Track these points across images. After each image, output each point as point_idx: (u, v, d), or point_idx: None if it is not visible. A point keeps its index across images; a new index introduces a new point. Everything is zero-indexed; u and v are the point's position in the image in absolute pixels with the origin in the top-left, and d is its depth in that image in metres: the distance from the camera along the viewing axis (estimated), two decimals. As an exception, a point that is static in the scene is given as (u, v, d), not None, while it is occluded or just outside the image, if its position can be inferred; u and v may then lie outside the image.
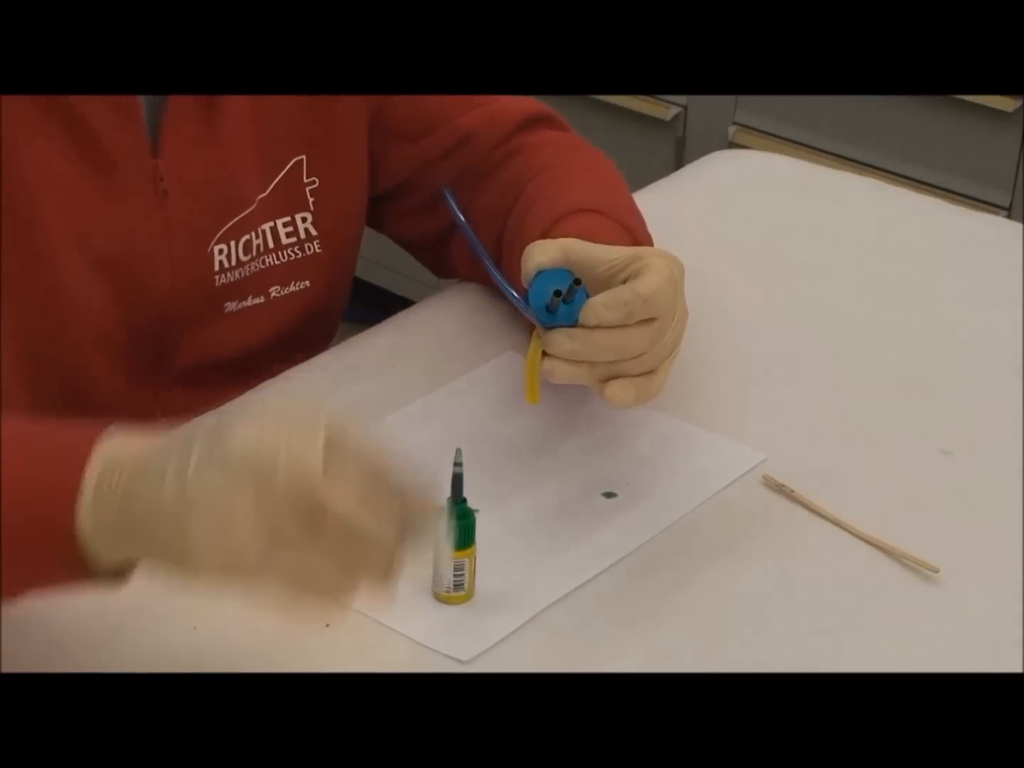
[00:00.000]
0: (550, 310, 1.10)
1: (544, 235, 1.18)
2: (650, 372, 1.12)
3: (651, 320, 1.10)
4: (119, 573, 0.96)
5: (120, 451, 0.93)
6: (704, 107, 2.79)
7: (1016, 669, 1.03)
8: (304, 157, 1.27)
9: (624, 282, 1.11)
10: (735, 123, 2.78)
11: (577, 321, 1.10)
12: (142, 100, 1.17)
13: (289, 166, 1.26)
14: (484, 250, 1.21)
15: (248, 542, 0.89)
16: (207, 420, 0.95)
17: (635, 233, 1.22)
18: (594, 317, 1.09)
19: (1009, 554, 1.13)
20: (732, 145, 2.71)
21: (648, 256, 1.12)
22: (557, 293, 1.09)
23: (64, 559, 0.93)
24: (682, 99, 2.82)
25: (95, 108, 1.15)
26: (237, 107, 1.22)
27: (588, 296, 1.10)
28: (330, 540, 0.89)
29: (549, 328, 1.10)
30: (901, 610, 1.09)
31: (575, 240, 1.14)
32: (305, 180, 1.28)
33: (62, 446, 0.94)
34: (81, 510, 0.92)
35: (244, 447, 0.89)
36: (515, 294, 1.15)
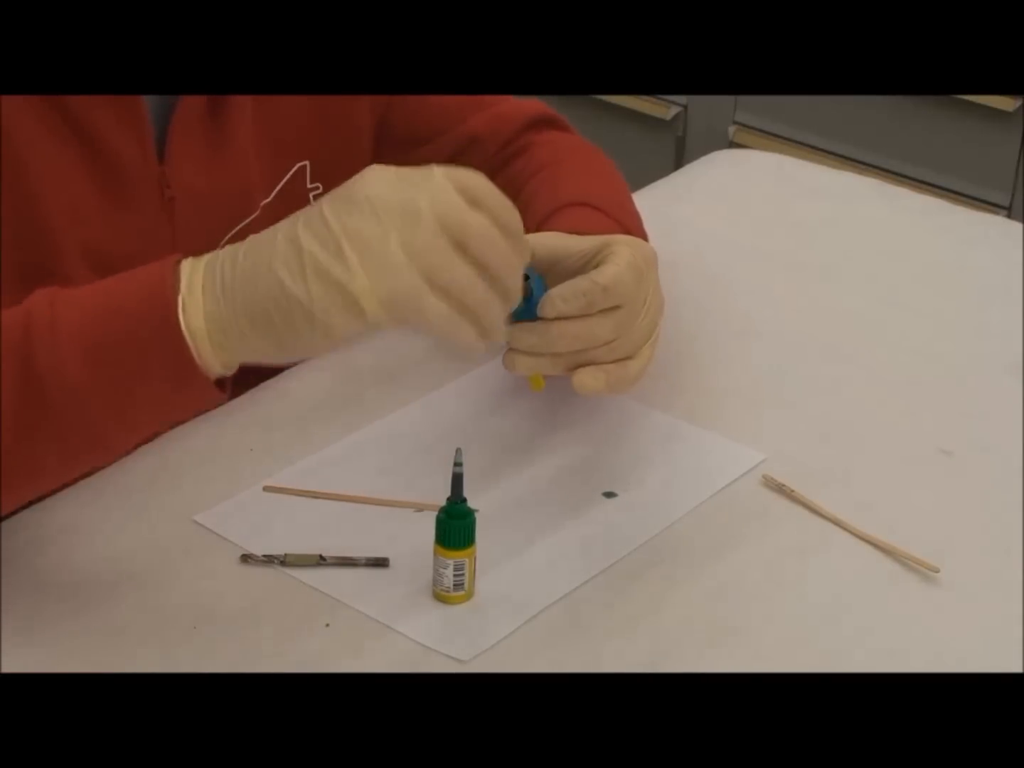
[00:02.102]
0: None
1: (538, 231, 1.18)
2: (625, 359, 1.12)
3: (615, 308, 1.10)
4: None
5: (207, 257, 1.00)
6: (704, 107, 2.80)
7: (1016, 669, 1.03)
8: (308, 163, 1.27)
9: None
10: (735, 123, 2.78)
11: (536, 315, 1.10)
12: (148, 108, 1.17)
13: (292, 172, 1.27)
14: None
15: (407, 270, 0.95)
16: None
17: (627, 227, 1.22)
18: (552, 309, 1.09)
19: (1009, 554, 1.13)
20: (732, 145, 2.71)
21: (614, 244, 1.12)
22: None
23: (177, 364, 0.98)
24: (682, 99, 2.82)
25: (102, 115, 1.15)
26: (242, 114, 1.22)
27: (547, 289, 1.10)
28: (477, 255, 0.97)
29: (513, 324, 1.10)
30: (901, 610, 1.09)
31: (544, 234, 1.15)
32: (309, 186, 1.28)
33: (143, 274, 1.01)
34: (184, 307, 0.97)
35: (380, 193, 0.96)
36: None
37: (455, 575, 1.06)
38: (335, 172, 1.28)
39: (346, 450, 1.20)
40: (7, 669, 1.00)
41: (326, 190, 1.27)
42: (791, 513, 1.17)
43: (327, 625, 1.05)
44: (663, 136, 2.83)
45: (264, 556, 1.10)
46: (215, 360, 0.99)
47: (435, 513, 1.06)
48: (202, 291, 0.99)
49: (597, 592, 1.09)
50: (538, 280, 1.09)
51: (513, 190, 1.29)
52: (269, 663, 1.02)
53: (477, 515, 1.07)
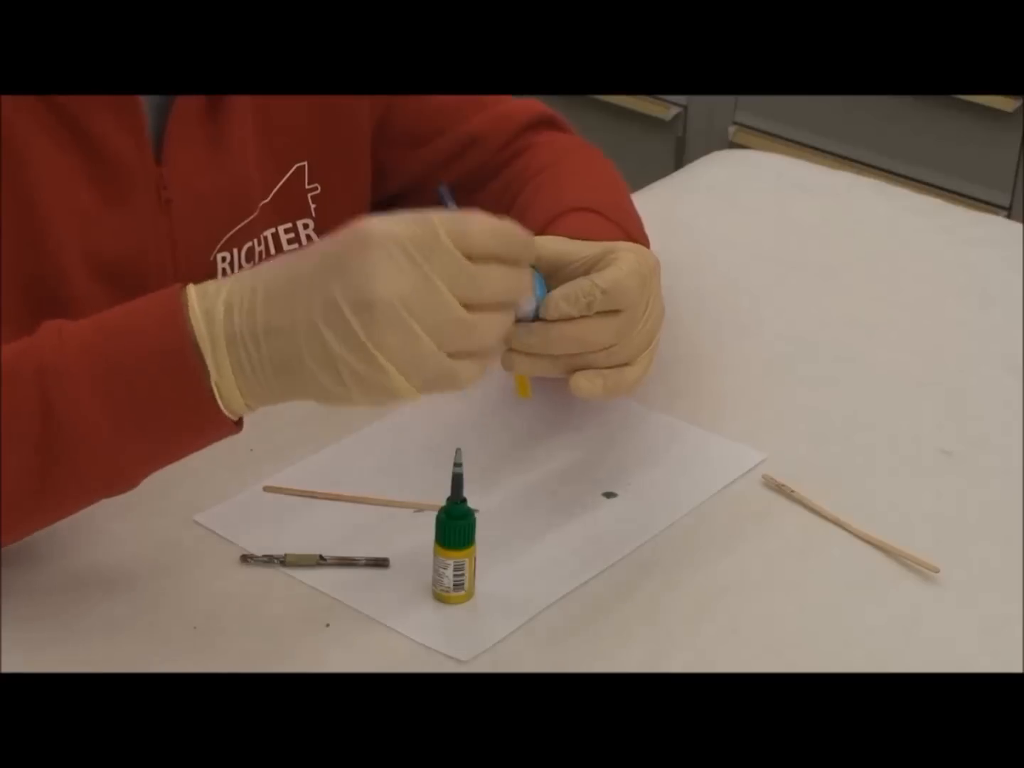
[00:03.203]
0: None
1: (540, 234, 1.18)
2: (623, 365, 1.12)
3: (615, 312, 1.10)
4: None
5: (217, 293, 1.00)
6: (704, 107, 2.80)
7: (1016, 669, 1.03)
8: (306, 163, 1.27)
9: None
10: (735, 123, 2.78)
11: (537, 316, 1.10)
12: (146, 108, 1.17)
13: (291, 172, 1.26)
14: None
15: (436, 356, 0.97)
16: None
17: (629, 231, 1.22)
18: (555, 310, 1.09)
19: (1009, 554, 1.13)
20: (732, 145, 2.71)
21: (618, 250, 1.13)
22: None
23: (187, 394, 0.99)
24: (682, 99, 2.82)
25: (100, 117, 1.15)
26: (240, 114, 1.21)
27: (549, 290, 1.10)
28: (491, 302, 0.99)
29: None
30: (901, 610, 1.09)
31: (549, 238, 1.15)
32: (307, 186, 1.28)
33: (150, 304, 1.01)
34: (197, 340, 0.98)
35: (398, 291, 0.96)
36: None
37: (455, 575, 1.06)
38: (333, 172, 1.28)
39: (346, 450, 1.20)
40: (7, 669, 0.99)
41: (324, 190, 1.28)
42: (791, 513, 1.17)
43: (327, 625, 1.05)
44: (663, 136, 2.83)
45: (264, 556, 1.10)
46: (242, 409, 1.02)
47: (435, 513, 1.06)
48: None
49: (597, 592, 1.09)
50: (539, 279, 1.10)
51: (513, 190, 1.29)
52: (269, 663, 1.02)
53: (477, 515, 1.07)
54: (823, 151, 2.69)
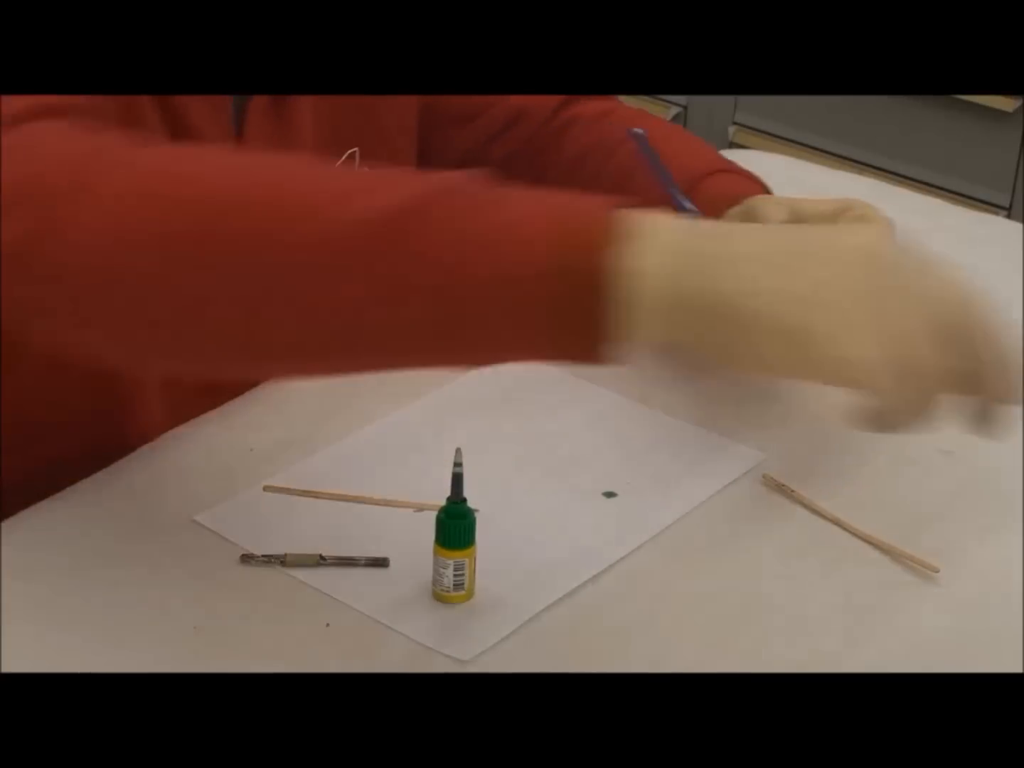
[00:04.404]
0: None
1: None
2: None
3: None
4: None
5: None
6: (704, 107, 2.80)
7: (1016, 669, 1.03)
8: (357, 149, 1.27)
9: None
10: (735, 123, 2.78)
11: None
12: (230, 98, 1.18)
13: (345, 157, 1.27)
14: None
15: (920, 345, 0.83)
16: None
17: (766, 187, 1.23)
18: None
19: (1009, 554, 1.13)
20: (732, 145, 2.71)
21: (858, 207, 1.13)
22: None
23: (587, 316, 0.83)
24: (682, 99, 2.82)
25: (196, 107, 1.15)
26: (304, 102, 1.22)
27: None
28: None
29: None
30: (901, 610, 1.09)
31: (789, 198, 1.16)
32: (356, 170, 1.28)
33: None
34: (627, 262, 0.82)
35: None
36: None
37: (455, 575, 1.06)
38: (383, 156, 1.28)
39: (346, 450, 1.20)
40: (7, 669, 1.00)
41: None
42: (791, 513, 1.17)
43: (327, 625, 1.05)
44: (663, 136, 2.83)
45: (264, 556, 1.10)
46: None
47: (435, 513, 1.06)
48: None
49: (597, 592, 1.09)
50: None
51: (594, 162, 1.29)
52: (269, 663, 1.02)
53: (477, 515, 1.07)
54: (823, 151, 2.69)
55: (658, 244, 0.83)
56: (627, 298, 0.82)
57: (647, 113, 1.38)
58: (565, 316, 0.83)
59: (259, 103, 1.20)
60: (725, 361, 0.84)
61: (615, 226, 0.83)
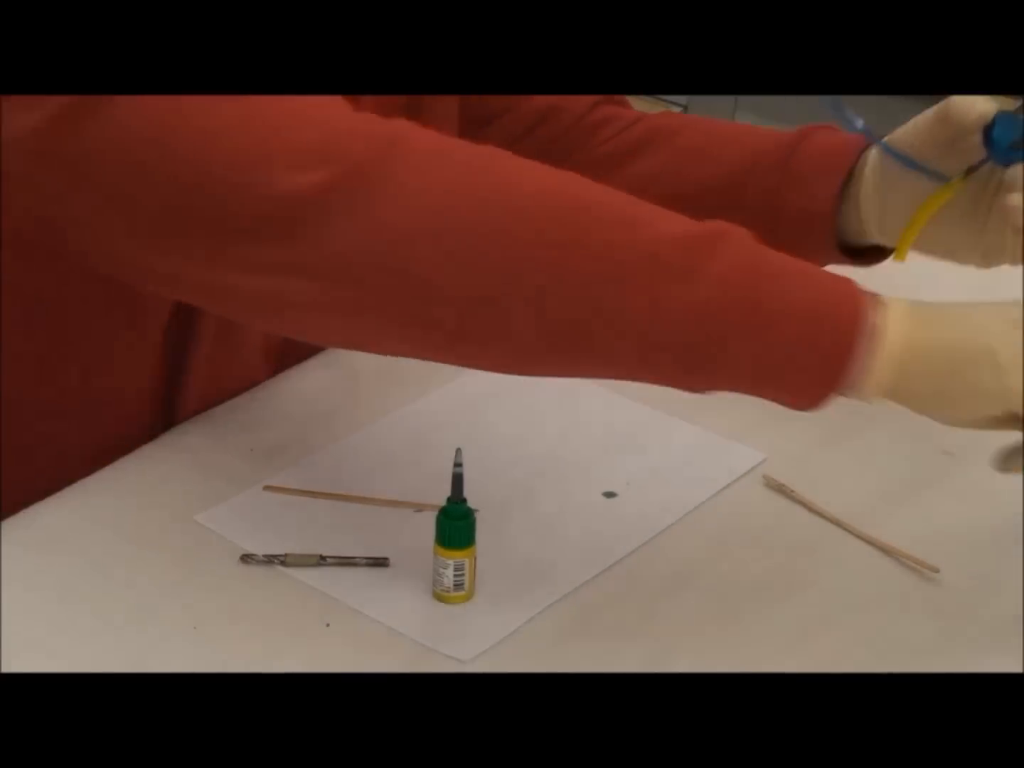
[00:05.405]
0: (1014, 148, 1.12)
1: (793, 152, 1.20)
2: None
3: None
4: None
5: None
6: (704, 107, 2.79)
7: (1016, 669, 1.03)
8: None
9: None
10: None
11: None
12: None
13: None
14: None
15: None
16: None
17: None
18: None
19: (1009, 554, 1.13)
20: (732, 145, 2.70)
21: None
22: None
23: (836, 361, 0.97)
24: (682, 99, 2.82)
25: None
26: (366, 96, 1.22)
27: None
28: None
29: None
30: (901, 610, 1.09)
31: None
32: None
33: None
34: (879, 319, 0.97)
35: None
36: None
37: (455, 575, 1.06)
38: None
39: (346, 450, 1.20)
40: (7, 669, 1.00)
41: None
42: (791, 513, 1.17)
43: (327, 625, 1.05)
44: (663, 136, 2.83)
45: (264, 556, 1.10)
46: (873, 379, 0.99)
47: (435, 513, 1.06)
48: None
49: (597, 592, 1.09)
50: None
51: (643, 150, 1.29)
52: (269, 663, 1.02)
53: (477, 515, 1.07)
54: (823, 151, 2.69)
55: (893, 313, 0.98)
56: (870, 354, 0.97)
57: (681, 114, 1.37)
58: (823, 354, 0.97)
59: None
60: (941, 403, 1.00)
61: (870, 298, 0.98)
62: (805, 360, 0.97)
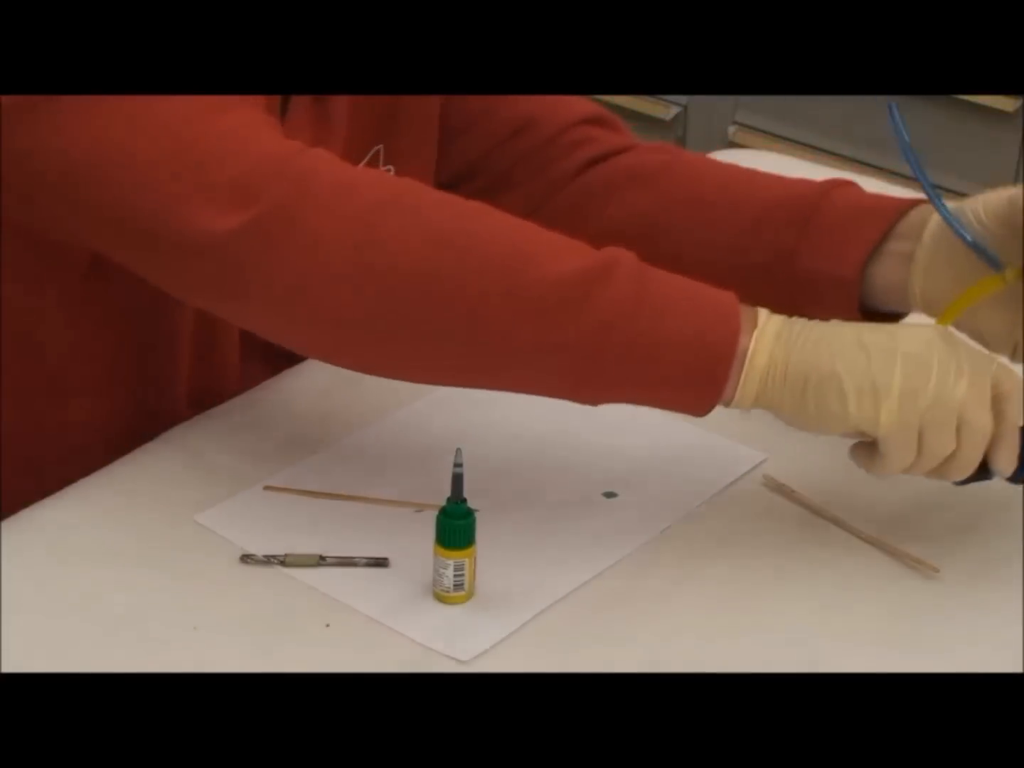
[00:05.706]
0: None
1: (813, 211, 1.20)
2: None
3: None
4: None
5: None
6: (704, 107, 2.80)
7: (1016, 669, 1.03)
8: (382, 146, 1.27)
9: None
10: (735, 123, 2.78)
11: None
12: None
13: (371, 154, 1.27)
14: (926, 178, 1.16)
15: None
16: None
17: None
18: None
19: (1009, 554, 1.13)
20: (732, 145, 2.71)
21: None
22: None
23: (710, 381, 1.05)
24: (682, 99, 2.82)
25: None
26: (340, 99, 1.22)
27: None
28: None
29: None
30: (901, 610, 1.09)
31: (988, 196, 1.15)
32: (382, 167, 1.28)
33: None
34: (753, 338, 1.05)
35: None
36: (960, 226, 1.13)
37: (455, 575, 1.06)
38: (405, 155, 1.28)
39: (346, 450, 1.20)
40: (7, 669, 1.00)
41: (397, 171, 1.27)
42: (791, 513, 1.17)
43: (327, 625, 1.05)
44: (663, 136, 2.83)
45: (264, 556, 1.10)
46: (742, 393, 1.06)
47: (435, 513, 1.06)
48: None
49: (597, 592, 1.09)
50: None
51: (632, 186, 1.28)
52: (269, 663, 1.02)
53: (477, 515, 1.07)
54: (823, 151, 2.69)
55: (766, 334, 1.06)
56: (738, 373, 1.05)
57: (679, 148, 1.35)
58: (698, 380, 1.05)
59: (302, 97, 1.20)
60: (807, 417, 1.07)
61: (745, 317, 1.05)
62: (681, 383, 1.05)
